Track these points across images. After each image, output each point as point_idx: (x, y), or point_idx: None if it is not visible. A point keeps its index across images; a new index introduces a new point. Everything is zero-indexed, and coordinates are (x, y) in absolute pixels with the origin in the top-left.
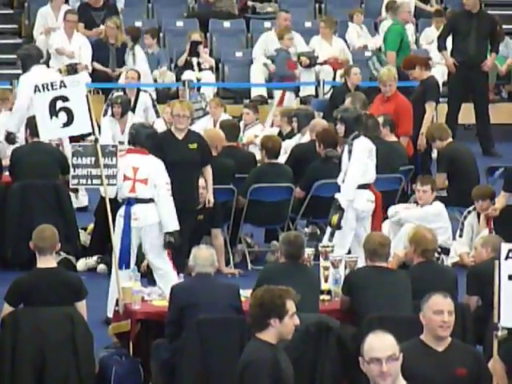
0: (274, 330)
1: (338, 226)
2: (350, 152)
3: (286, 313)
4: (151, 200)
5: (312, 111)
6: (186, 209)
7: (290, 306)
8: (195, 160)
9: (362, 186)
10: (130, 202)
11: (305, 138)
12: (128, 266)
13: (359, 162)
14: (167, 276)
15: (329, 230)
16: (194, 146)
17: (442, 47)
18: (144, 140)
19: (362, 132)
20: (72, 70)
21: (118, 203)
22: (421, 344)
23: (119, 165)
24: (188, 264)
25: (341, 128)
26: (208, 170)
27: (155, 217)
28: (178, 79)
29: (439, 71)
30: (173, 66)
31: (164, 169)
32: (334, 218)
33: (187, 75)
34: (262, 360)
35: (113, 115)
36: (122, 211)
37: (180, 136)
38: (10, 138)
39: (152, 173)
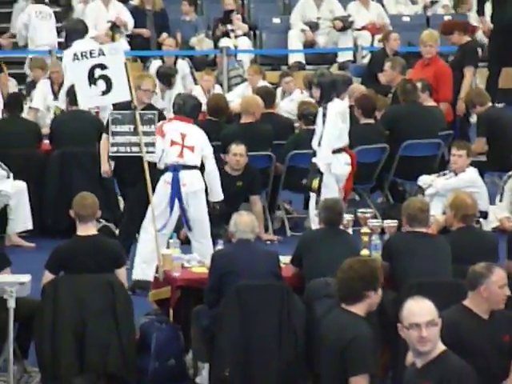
0: (368, 301)
1: (319, 191)
2: (324, 115)
3: (380, 284)
4: (196, 167)
5: (350, 77)
6: None
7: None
8: None
9: (338, 150)
10: (176, 168)
11: (343, 103)
12: (177, 231)
13: (333, 125)
14: (206, 246)
15: (313, 198)
16: None
17: (480, 12)
18: (190, 110)
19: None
20: (116, 28)
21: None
22: (466, 311)
23: (166, 130)
24: (228, 230)
25: (316, 92)
26: None
27: (202, 183)
28: (215, 47)
29: (478, 36)
30: (210, 33)
31: (208, 140)
32: (315, 183)
33: (224, 42)
34: (366, 334)
35: (168, 85)
36: (167, 177)
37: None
38: None
39: (199, 142)
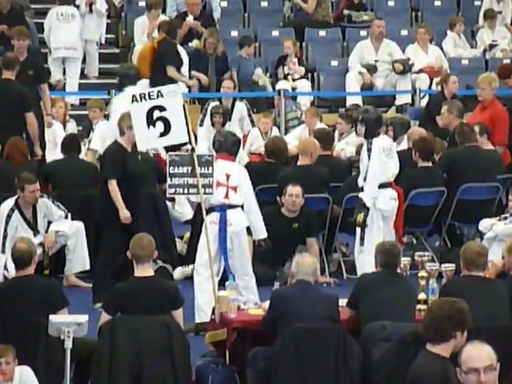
0: (454, 342)
1: (364, 225)
2: (369, 151)
3: (468, 325)
4: (240, 206)
5: (408, 119)
6: None
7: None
8: None
9: (383, 185)
10: (223, 208)
11: (401, 146)
12: (230, 271)
13: (378, 160)
14: (251, 283)
15: (358, 235)
16: None
17: None
18: (230, 147)
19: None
20: None
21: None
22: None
23: None
24: (286, 271)
25: (361, 129)
26: None
27: (245, 221)
28: (273, 89)
29: None
30: (268, 75)
31: (248, 177)
32: (360, 217)
33: (282, 84)
34: (432, 375)
35: (213, 125)
36: (214, 217)
37: None
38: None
39: (242, 180)
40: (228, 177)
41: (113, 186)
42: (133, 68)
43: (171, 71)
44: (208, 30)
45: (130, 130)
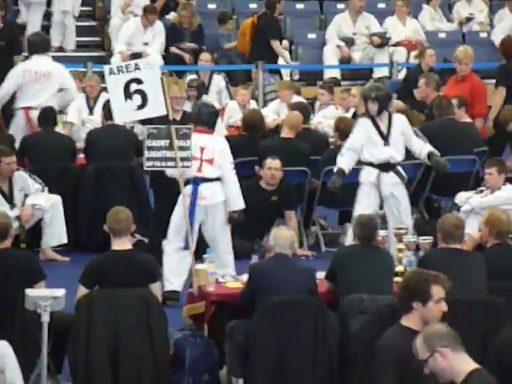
0: (417, 314)
1: (337, 189)
2: None
3: (429, 297)
4: (217, 179)
5: (391, 92)
6: None
7: (437, 291)
8: None
9: (382, 168)
10: (196, 181)
11: None
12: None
13: (360, 135)
14: (226, 257)
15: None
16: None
17: None
18: (207, 119)
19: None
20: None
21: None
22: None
23: None
24: (265, 244)
25: (374, 107)
26: None
27: (221, 195)
28: None
29: None
30: None
31: (228, 147)
32: (333, 180)
33: None
34: (392, 347)
35: (188, 98)
36: (187, 190)
37: (177, 117)
38: None
39: (217, 153)
40: (202, 150)
41: None
42: (42, 37)
43: (276, 44)
44: (182, 3)
45: None
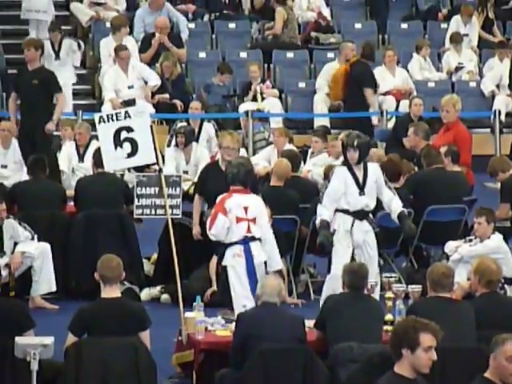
0: (406, 361)
1: (322, 247)
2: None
3: (417, 344)
4: (260, 239)
5: (374, 141)
6: None
7: (426, 339)
8: None
9: (358, 216)
10: (246, 241)
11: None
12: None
13: (338, 182)
14: None
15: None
16: None
17: None
18: (244, 178)
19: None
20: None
21: (182, 231)
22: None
23: (228, 206)
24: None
25: (355, 154)
26: None
27: (264, 255)
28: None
29: (502, 101)
30: (236, 98)
31: (264, 205)
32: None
33: (249, 105)
34: None
35: (177, 145)
36: (237, 251)
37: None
38: None
39: (259, 212)
40: (246, 209)
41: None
42: None
43: (369, 93)
44: (163, 53)
45: None
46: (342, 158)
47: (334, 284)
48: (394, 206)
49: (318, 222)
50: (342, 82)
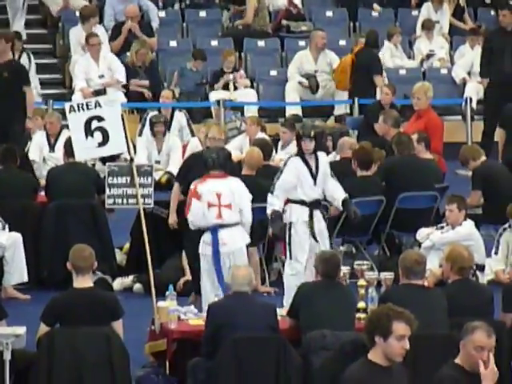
0: (379, 348)
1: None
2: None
3: (390, 333)
4: (237, 224)
5: (346, 129)
6: None
7: (399, 327)
8: None
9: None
10: (215, 228)
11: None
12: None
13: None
14: None
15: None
16: None
17: (484, 74)
18: (224, 162)
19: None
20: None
21: (154, 221)
22: (460, 369)
23: (200, 191)
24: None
25: (311, 144)
26: None
27: (242, 240)
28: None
29: (473, 88)
30: (207, 86)
31: (245, 189)
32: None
33: (220, 94)
34: (358, 380)
35: (153, 135)
36: (206, 238)
37: None
38: None
39: (238, 196)
40: (219, 196)
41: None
42: None
43: (379, 79)
44: (138, 40)
45: None
46: None
47: (298, 280)
48: (338, 194)
49: (269, 212)
50: (349, 72)
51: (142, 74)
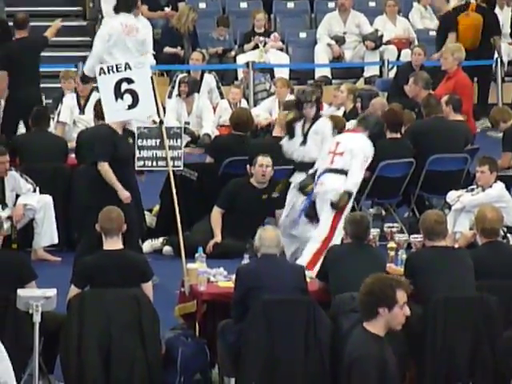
0: (382, 319)
1: (304, 191)
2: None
3: (395, 302)
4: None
5: (376, 91)
6: None
7: (401, 296)
8: None
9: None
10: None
11: None
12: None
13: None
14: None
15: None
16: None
17: None
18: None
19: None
20: None
21: (183, 183)
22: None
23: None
24: (254, 244)
25: (312, 110)
26: None
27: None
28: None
29: (504, 49)
30: (236, 47)
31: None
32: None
33: (249, 57)
34: (370, 356)
35: (179, 94)
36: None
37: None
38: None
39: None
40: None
41: (105, 167)
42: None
43: (498, 40)
44: (186, 7)
45: None
46: (343, 108)
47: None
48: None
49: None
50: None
51: (188, 39)
